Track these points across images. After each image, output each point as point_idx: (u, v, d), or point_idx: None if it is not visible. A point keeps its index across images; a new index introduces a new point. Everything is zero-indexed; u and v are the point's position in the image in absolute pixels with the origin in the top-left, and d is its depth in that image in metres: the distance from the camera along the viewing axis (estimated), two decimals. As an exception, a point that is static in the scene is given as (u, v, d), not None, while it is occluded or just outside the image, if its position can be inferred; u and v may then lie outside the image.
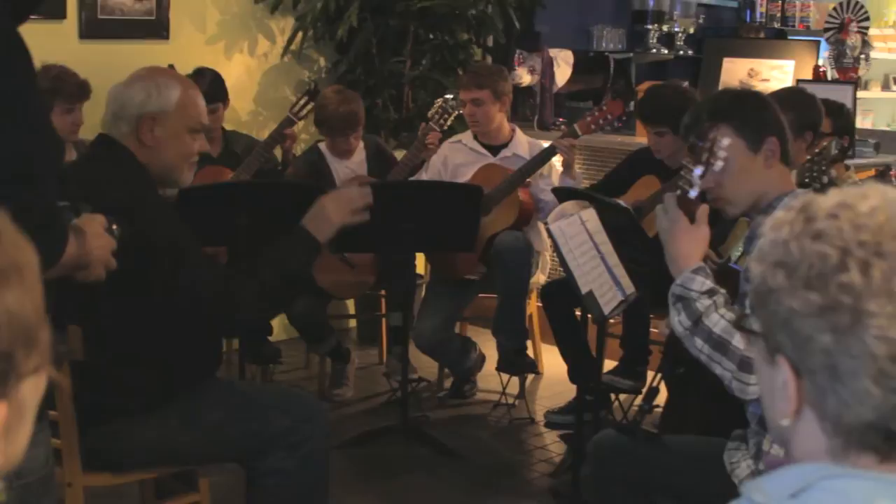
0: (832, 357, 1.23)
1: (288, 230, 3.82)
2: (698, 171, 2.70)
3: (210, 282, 3.21)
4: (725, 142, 2.72)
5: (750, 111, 2.95)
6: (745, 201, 2.94)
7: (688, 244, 2.72)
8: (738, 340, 2.62)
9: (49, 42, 5.30)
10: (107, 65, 5.57)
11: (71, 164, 3.47)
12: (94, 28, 5.87)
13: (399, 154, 5.90)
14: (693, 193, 2.72)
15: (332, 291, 5.53)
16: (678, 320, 2.70)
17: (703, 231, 2.75)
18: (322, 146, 5.74)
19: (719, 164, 2.72)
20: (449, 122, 5.54)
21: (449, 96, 5.58)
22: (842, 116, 4.71)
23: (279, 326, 6.16)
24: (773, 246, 1.29)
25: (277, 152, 5.78)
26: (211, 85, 5.52)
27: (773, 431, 1.36)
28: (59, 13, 5.72)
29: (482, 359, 5.84)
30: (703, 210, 2.76)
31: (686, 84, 6.90)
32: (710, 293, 2.67)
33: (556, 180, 5.40)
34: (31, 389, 1.12)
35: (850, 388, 1.22)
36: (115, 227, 2.58)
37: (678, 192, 2.75)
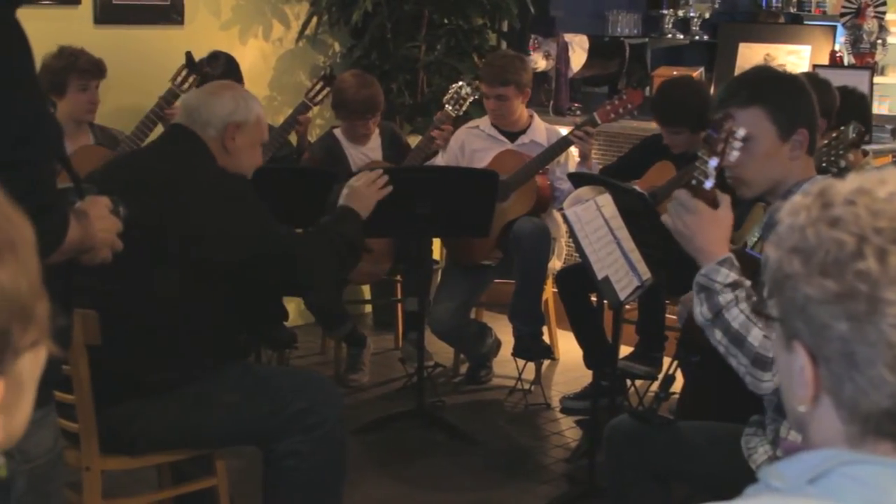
0: (849, 345, 1.22)
1: (307, 215, 3.91)
2: (714, 162, 2.67)
3: (298, 243, 3.55)
4: (741, 133, 2.70)
5: (788, 98, 2.90)
6: (762, 186, 2.91)
7: (713, 233, 2.68)
8: (753, 337, 2.61)
9: (64, 27, 5.31)
10: (121, 50, 5.60)
11: (149, 148, 3.82)
12: (109, 13, 5.86)
13: (413, 139, 5.90)
14: (709, 184, 2.69)
15: (349, 276, 5.52)
16: (699, 311, 2.68)
17: (728, 215, 2.72)
18: (337, 132, 5.74)
19: (735, 155, 2.70)
20: (464, 109, 5.53)
21: (463, 83, 5.56)
22: (853, 102, 4.68)
23: (295, 311, 6.17)
24: (790, 231, 1.28)
25: (292, 138, 5.78)
26: (225, 69, 5.53)
27: (791, 417, 1.35)
28: (74, -2, 5.74)
29: (498, 344, 5.84)
30: (726, 198, 2.73)
31: (701, 70, 6.89)
32: (734, 286, 2.64)
33: (572, 168, 5.39)
34: (30, 364, 1.12)
35: (867, 376, 1.21)
36: (120, 208, 2.57)
37: (693, 181, 2.72)
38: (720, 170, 2.70)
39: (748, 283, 2.69)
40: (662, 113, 5.06)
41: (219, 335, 3.40)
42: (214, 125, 3.44)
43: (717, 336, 2.67)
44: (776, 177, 2.88)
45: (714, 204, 2.69)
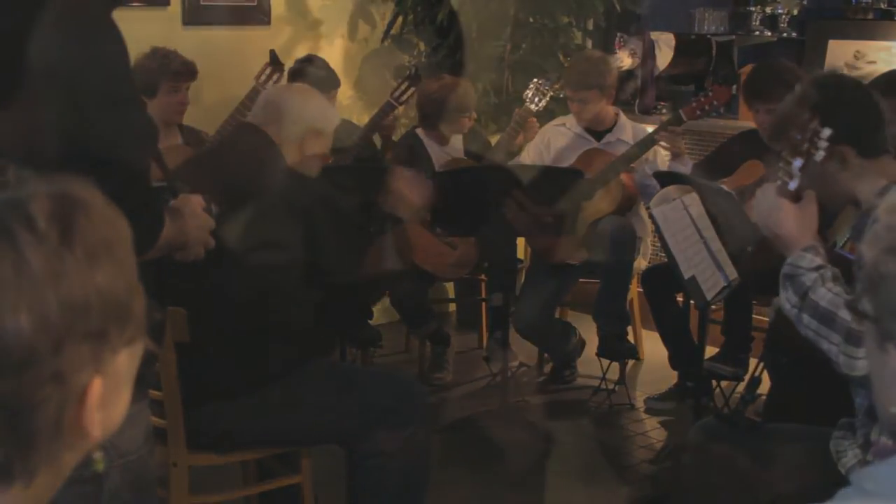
0: None
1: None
2: (798, 162, 2.65)
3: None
4: (826, 132, 2.66)
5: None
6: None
7: (797, 225, 2.66)
8: (844, 312, 2.56)
9: (153, 28, 5.38)
10: (209, 50, 5.66)
11: (222, 150, 3.65)
12: (197, 14, 5.94)
13: (497, 139, 5.90)
14: (793, 185, 2.67)
15: (434, 272, 5.53)
16: (786, 298, 2.66)
17: (811, 209, 2.69)
18: (419, 131, 5.75)
19: (820, 154, 2.66)
20: (543, 104, 5.53)
21: (538, 80, 5.56)
22: None
23: (380, 310, 6.19)
24: (887, 230, 1.25)
25: (376, 139, 5.79)
26: (327, 70, 5.58)
27: (883, 417, 1.32)
28: (163, 0, 5.81)
29: (582, 344, 5.82)
30: (810, 192, 2.70)
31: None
32: (818, 269, 2.62)
33: (661, 166, 5.35)
34: (127, 360, 1.13)
35: None
36: (213, 206, 2.60)
37: (778, 182, 2.70)
38: (805, 170, 2.67)
39: (834, 269, 2.65)
40: (757, 88, 4.93)
41: (303, 334, 3.41)
42: (298, 125, 3.44)
43: (805, 321, 2.63)
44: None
45: (797, 201, 2.67)
